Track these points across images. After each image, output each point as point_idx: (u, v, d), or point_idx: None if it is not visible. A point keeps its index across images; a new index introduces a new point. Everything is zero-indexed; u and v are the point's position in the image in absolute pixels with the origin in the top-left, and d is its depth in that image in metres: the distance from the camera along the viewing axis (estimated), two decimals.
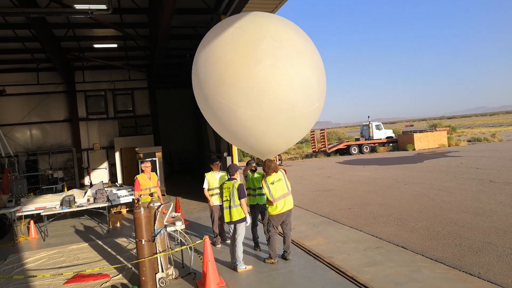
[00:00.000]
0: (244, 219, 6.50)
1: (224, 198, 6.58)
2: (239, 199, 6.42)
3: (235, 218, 6.43)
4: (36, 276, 5.90)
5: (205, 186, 7.96)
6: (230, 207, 6.48)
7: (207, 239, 5.90)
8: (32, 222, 10.23)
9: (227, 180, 6.73)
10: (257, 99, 5.47)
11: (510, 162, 18.24)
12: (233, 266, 6.54)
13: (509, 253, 6.59)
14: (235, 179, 6.67)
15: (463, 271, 5.95)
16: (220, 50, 5.75)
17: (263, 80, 5.40)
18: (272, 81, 5.42)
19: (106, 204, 10.08)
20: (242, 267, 6.43)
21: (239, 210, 6.45)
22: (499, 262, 6.26)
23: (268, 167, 6.61)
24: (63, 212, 9.92)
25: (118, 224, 10.54)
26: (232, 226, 6.57)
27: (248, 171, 7.62)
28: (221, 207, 7.92)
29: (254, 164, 7.58)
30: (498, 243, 7.10)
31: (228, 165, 7.04)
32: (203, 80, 5.94)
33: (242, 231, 6.54)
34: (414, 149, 30.98)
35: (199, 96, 6.29)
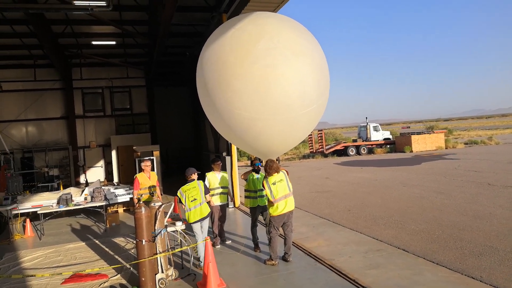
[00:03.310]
0: (210, 213, 7.02)
1: (191, 199, 6.77)
2: (205, 195, 6.85)
3: (206, 213, 6.81)
4: (34, 276, 5.79)
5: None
6: (200, 204, 6.77)
7: (208, 239, 5.82)
8: (28, 220, 10.09)
9: (187, 184, 6.91)
10: (251, 100, 5.45)
11: (508, 166, 18.29)
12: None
13: (510, 257, 6.58)
14: (194, 179, 6.97)
15: (465, 275, 5.93)
16: (219, 50, 5.76)
17: (257, 81, 5.38)
18: (266, 82, 5.38)
19: (103, 203, 9.96)
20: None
21: (207, 206, 6.87)
22: (501, 266, 6.23)
23: (270, 167, 6.54)
24: (60, 211, 9.79)
25: (115, 223, 10.42)
26: (198, 224, 6.79)
27: (252, 172, 7.51)
28: (221, 207, 7.86)
29: (259, 165, 7.45)
30: (499, 247, 7.08)
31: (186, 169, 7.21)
32: (206, 81, 5.91)
33: (208, 225, 7.03)
34: (411, 151, 31.02)
35: (201, 96, 6.26)
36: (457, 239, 7.70)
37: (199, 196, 6.76)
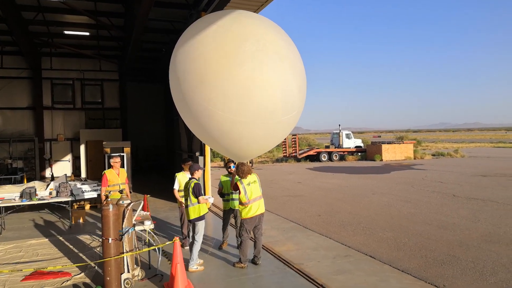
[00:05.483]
0: (202, 217, 6.56)
1: (184, 197, 6.69)
2: (195, 197, 6.44)
3: (192, 216, 6.49)
4: None
5: (176, 186, 7.73)
6: (187, 206, 6.55)
7: (177, 240, 5.70)
8: None
9: (188, 180, 6.72)
10: (236, 102, 5.30)
11: (472, 178, 19.02)
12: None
13: (472, 266, 6.80)
14: (194, 178, 6.67)
15: (429, 283, 6.06)
16: (202, 47, 5.53)
17: (243, 84, 5.24)
18: (253, 86, 5.28)
19: (69, 199, 9.61)
20: (193, 267, 6.41)
21: (196, 209, 6.47)
22: (463, 275, 6.43)
23: (242, 171, 6.52)
24: (23, 205, 9.37)
25: (81, 220, 10.10)
26: (201, 222, 6.58)
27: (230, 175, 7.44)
28: None
29: (233, 169, 7.35)
30: (461, 257, 7.31)
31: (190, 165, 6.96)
32: (181, 78, 5.69)
33: (201, 229, 6.56)
34: (381, 160, 31.77)
35: (176, 94, 6.04)
36: (422, 248, 7.91)
37: (187, 197, 6.55)
